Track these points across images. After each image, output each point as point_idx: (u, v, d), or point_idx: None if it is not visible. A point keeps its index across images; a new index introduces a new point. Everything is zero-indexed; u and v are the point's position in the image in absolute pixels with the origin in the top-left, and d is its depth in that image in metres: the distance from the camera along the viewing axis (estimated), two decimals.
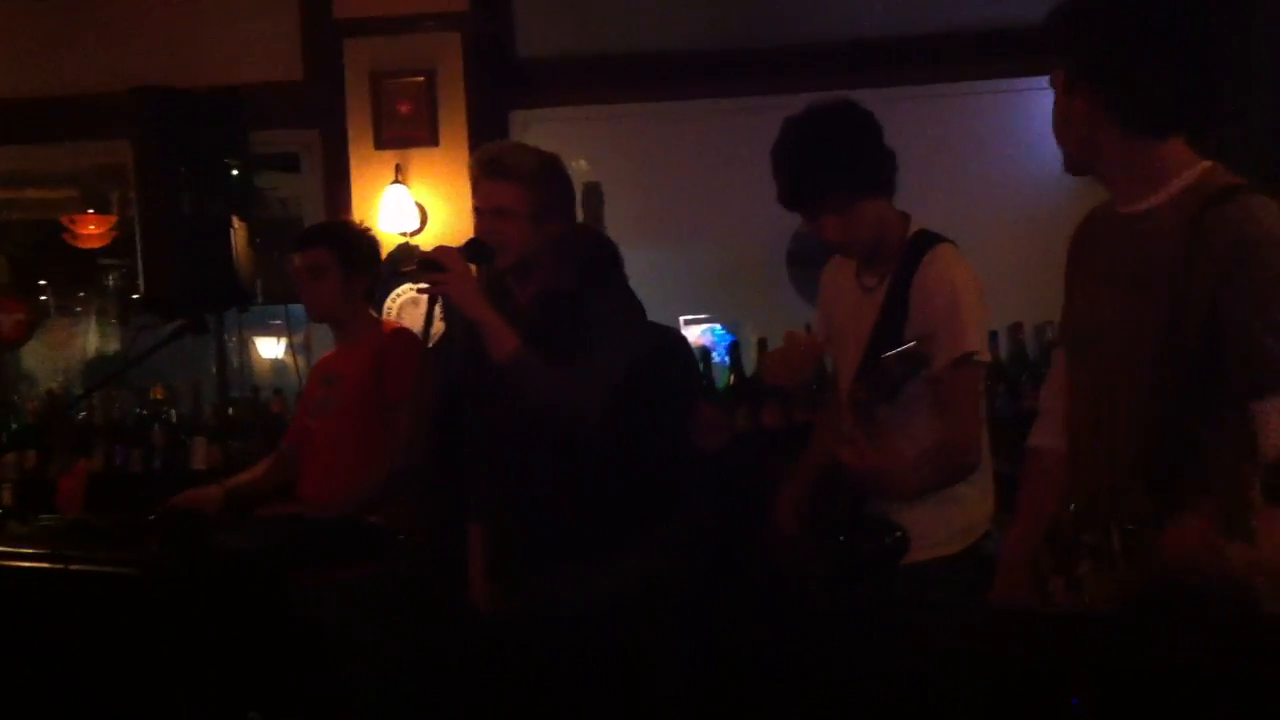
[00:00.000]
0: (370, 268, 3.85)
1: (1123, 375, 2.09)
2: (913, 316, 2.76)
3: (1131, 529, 1.90)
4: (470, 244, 3.04)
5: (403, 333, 3.86)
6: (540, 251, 3.04)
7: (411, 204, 5.08)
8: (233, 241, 4.55)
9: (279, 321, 7.51)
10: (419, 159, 5.14)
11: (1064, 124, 2.17)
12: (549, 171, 3.06)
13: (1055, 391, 2.36)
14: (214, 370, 5.06)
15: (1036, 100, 5.96)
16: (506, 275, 3.09)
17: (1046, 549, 2.13)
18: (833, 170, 2.77)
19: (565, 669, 3.01)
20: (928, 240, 2.85)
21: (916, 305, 2.77)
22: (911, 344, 2.55)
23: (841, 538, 2.78)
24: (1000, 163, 5.75)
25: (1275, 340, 1.89)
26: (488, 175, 3.01)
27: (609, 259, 3.40)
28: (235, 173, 4.73)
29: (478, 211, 3.04)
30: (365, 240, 3.87)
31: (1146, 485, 1.91)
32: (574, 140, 5.19)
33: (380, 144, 5.15)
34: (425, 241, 5.03)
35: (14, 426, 5.08)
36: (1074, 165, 2.20)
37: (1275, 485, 1.61)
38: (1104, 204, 2.26)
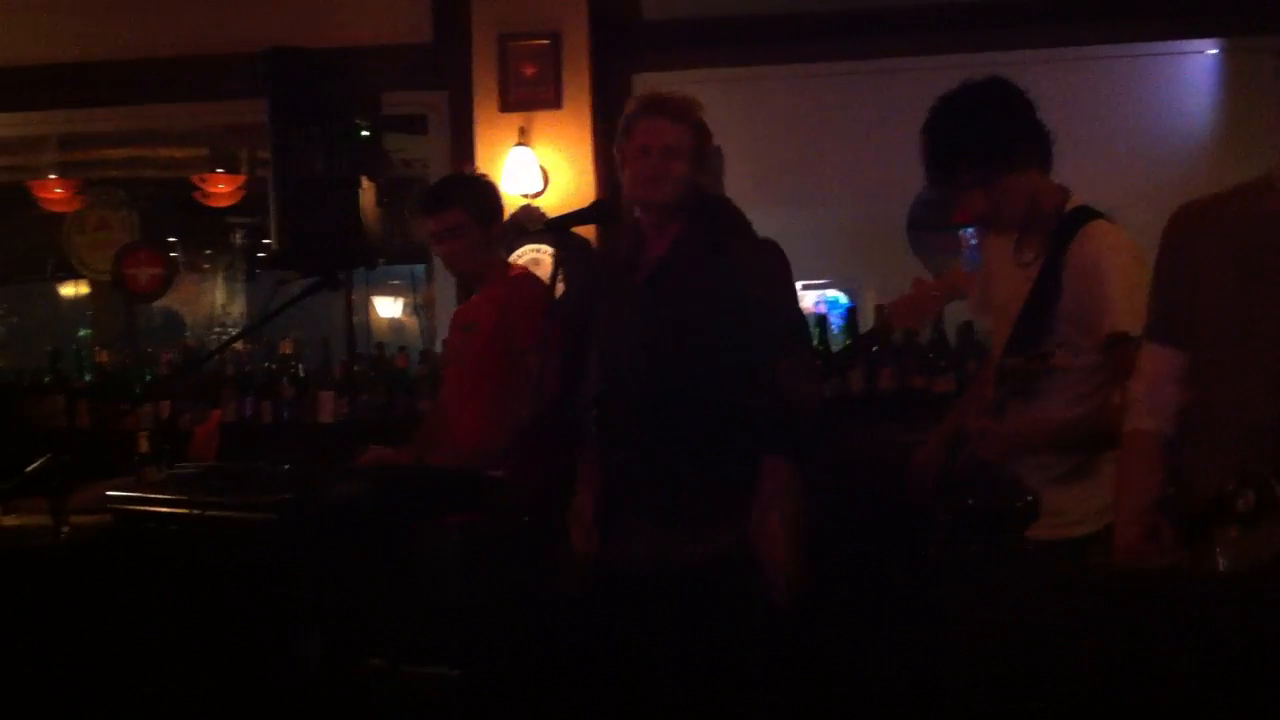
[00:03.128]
0: (499, 215, 3.92)
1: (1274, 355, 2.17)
2: (1065, 295, 2.75)
3: None
4: (597, 204, 3.07)
5: (528, 278, 3.93)
6: (689, 197, 3.06)
7: (535, 166, 5.14)
8: (361, 201, 4.64)
9: (399, 281, 7.69)
10: (542, 121, 5.19)
11: None
12: (705, 121, 3.10)
13: (1155, 379, 2.40)
14: (341, 327, 5.17)
15: (1170, 64, 5.86)
16: (641, 222, 3.11)
17: (1169, 522, 2.21)
18: (979, 143, 2.76)
19: (658, 625, 2.99)
20: (1083, 216, 2.81)
21: (1069, 284, 2.75)
22: (1045, 351, 2.57)
23: (970, 500, 2.77)
24: (1132, 130, 5.65)
25: None
26: (657, 114, 3.03)
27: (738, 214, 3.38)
28: (365, 133, 4.83)
29: (642, 149, 3.02)
30: (491, 190, 3.93)
31: None
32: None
33: (505, 106, 5.21)
34: (547, 204, 5.09)
35: (149, 378, 5.24)
36: None
37: None
38: (1232, 193, 2.33)
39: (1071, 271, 2.75)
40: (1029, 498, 2.72)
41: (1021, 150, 2.80)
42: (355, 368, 5.08)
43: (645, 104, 3.09)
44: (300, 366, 5.08)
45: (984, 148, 2.77)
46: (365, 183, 4.70)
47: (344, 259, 4.59)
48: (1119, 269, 2.72)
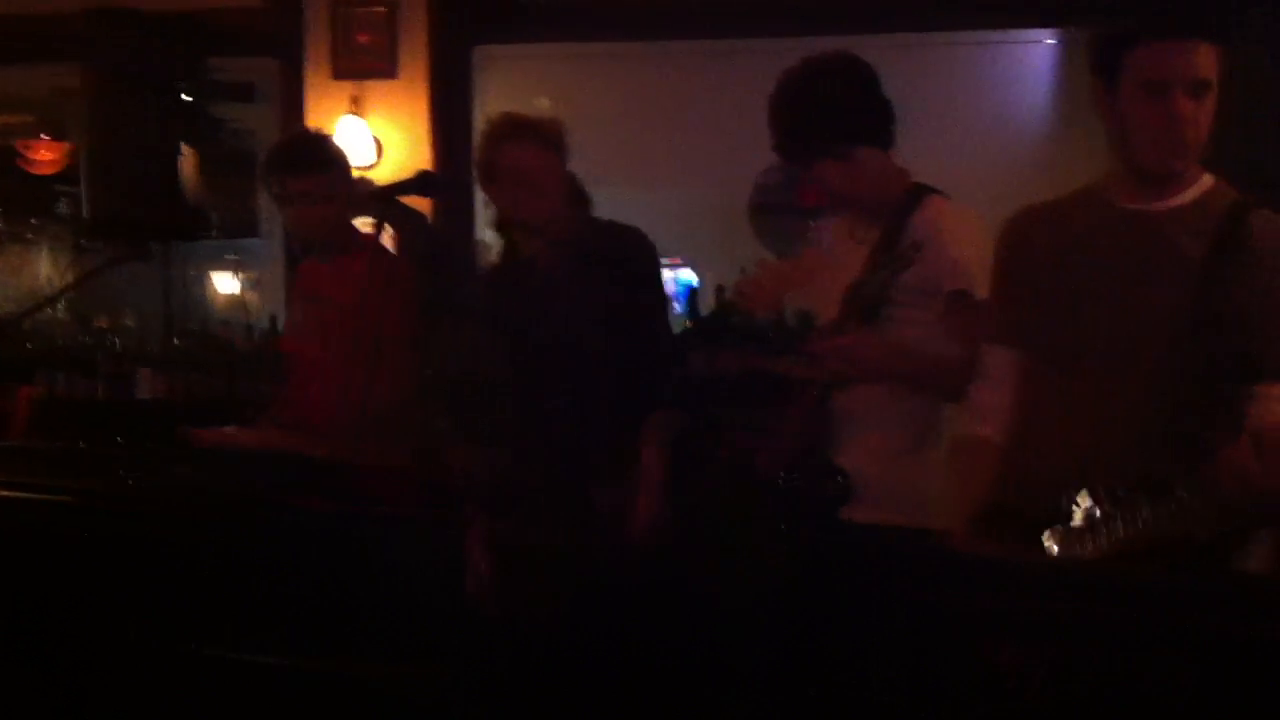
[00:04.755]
0: (352, 181, 3.74)
1: (1120, 360, 2.20)
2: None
3: (1125, 494, 2.06)
4: (421, 175, 2.99)
5: (389, 257, 3.81)
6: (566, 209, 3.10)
7: (368, 136, 4.98)
8: (180, 169, 4.44)
9: (235, 257, 7.42)
10: (377, 91, 5.03)
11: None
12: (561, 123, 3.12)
13: (995, 383, 2.40)
14: (180, 302, 4.96)
15: (1009, 53, 5.91)
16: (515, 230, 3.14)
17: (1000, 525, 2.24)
18: (831, 119, 2.73)
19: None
20: (925, 191, 2.80)
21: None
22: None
23: (781, 476, 2.71)
24: (973, 119, 5.69)
25: None
26: (521, 139, 3.04)
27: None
28: (189, 99, 4.62)
29: (513, 176, 3.03)
30: (343, 153, 3.74)
31: (1145, 460, 2.06)
32: (537, 78, 5.09)
33: (337, 73, 5.03)
34: (381, 176, 4.91)
35: None
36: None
37: None
38: (1068, 200, 2.36)
39: (912, 239, 2.69)
40: (839, 478, 2.67)
41: (871, 125, 2.78)
42: (177, 343, 4.87)
43: (509, 129, 3.07)
44: (117, 341, 4.86)
45: (838, 118, 2.73)
46: (187, 150, 4.50)
47: (161, 229, 4.39)
48: (960, 233, 2.70)
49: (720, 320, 4.67)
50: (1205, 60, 2.16)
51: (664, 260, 5.97)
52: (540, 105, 5.27)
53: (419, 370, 3.30)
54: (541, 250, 3.13)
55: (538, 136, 3.05)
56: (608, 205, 3.31)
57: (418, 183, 3.41)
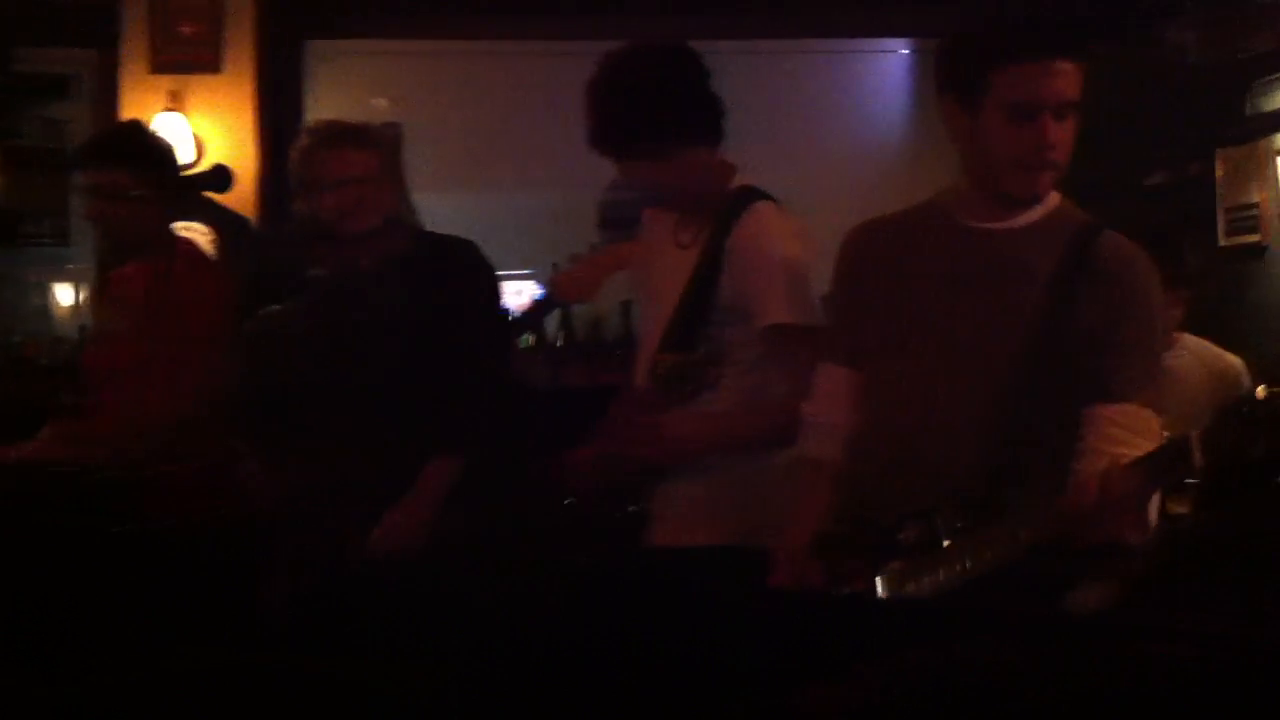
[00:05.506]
0: (171, 179, 3.45)
1: (963, 378, 2.11)
2: (725, 279, 2.57)
3: (961, 526, 1.96)
4: (217, 169, 2.75)
5: (200, 258, 3.57)
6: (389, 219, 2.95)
7: (188, 133, 4.69)
8: None
9: (44, 263, 7.01)
10: (199, 86, 4.76)
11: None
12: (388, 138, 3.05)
13: (833, 404, 2.28)
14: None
15: (863, 62, 5.83)
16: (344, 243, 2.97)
17: (834, 553, 2.13)
18: (653, 111, 2.54)
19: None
20: (749, 196, 2.63)
21: (730, 267, 2.57)
22: (696, 354, 2.38)
23: (568, 500, 2.55)
24: (826, 128, 5.59)
25: (1139, 358, 2.07)
26: (337, 145, 2.90)
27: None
28: None
29: (329, 182, 2.87)
30: (163, 145, 3.48)
31: (986, 481, 1.97)
32: (373, 76, 4.87)
33: (156, 67, 4.77)
34: None
35: None
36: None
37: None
38: (911, 215, 2.28)
39: (734, 257, 2.56)
40: (631, 508, 2.52)
41: (696, 120, 2.59)
42: None
43: (328, 135, 2.93)
44: None
45: (659, 114, 2.54)
46: None
47: None
48: (782, 257, 2.54)
49: (543, 310, 4.53)
50: (1072, 81, 2.06)
51: (513, 273, 5.81)
52: (379, 106, 5.05)
53: (221, 380, 3.08)
54: (363, 265, 2.96)
55: (360, 142, 2.91)
56: (452, 214, 3.24)
57: (213, 176, 3.18)
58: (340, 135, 2.93)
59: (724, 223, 2.58)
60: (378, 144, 2.96)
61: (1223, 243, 4.60)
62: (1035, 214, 2.15)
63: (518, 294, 5.73)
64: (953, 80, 2.15)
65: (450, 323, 2.92)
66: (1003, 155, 2.09)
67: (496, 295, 3.16)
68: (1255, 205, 4.50)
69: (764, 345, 2.53)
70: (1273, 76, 4.38)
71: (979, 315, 2.12)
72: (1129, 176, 4.84)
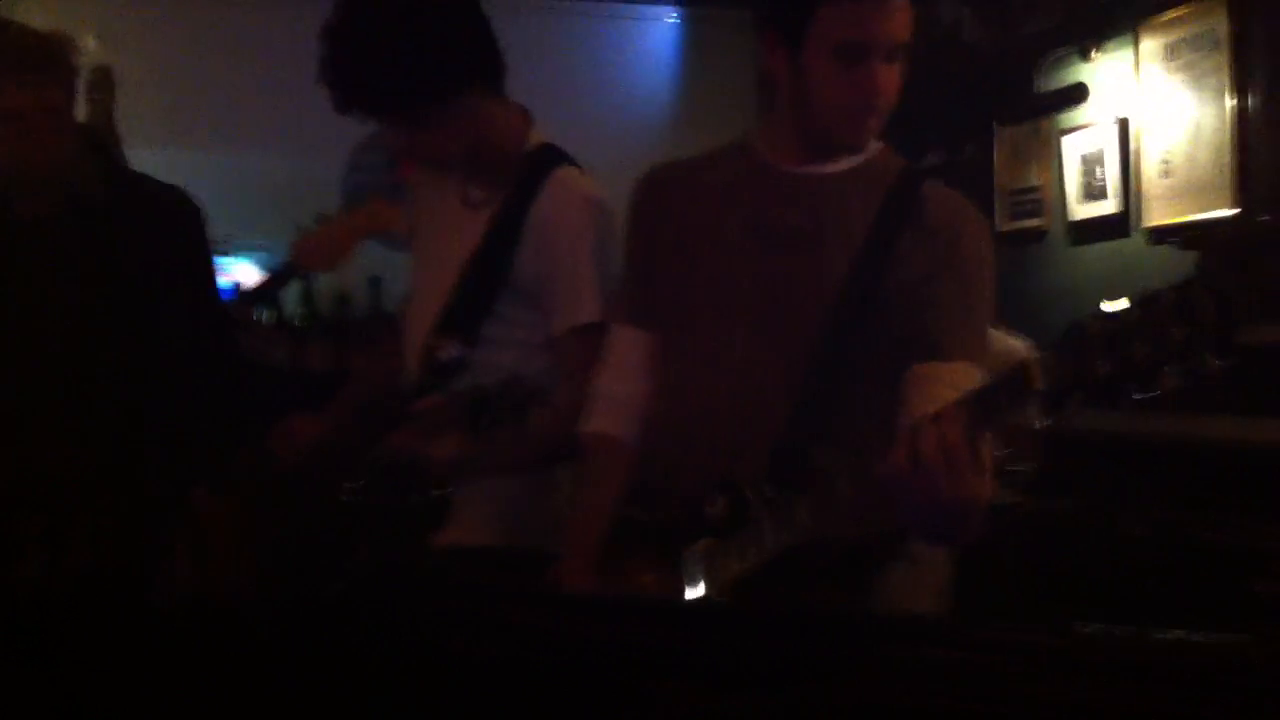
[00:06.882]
0: None
1: (771, 336, 1.96)
2: (523, 255, 2.24)
3: (773, 496, 1.80)
4: None
5: None
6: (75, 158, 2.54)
7: None
8: None
9: None
10: None
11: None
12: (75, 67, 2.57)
13: (620, 370, 2.09)
14: None
15: (629, 28, 5.57)
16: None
17: (633, 538, 1.96)
18: (430, 52, 2.14)
19: None
20: (552, 159, 2.29)
21: (532, 243, 2.24)
22: (519, 383, 1.98)
23: (349, 486, 2.16)
24: (591, 94, 5.27)
25: (964, 315, 1.95)
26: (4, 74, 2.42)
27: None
28: None
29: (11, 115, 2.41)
30: None
31: (799, 447, 1.83)
32: (80, 12, 4.24)
33: None
34: None
35: None
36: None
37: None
38: (712, 159, 2.10)
39: (537, 235, 2.24)
40: (434, 493, 2.15)
41: (482, 60, 2.23)
42: None
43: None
44: None
45: (438, 55, 2.15)
46: None
47: None
48: (592, 243, 2.24)
49: (282, 280, 4.08)
50: (903, 22, 1.92)
51: (244, 241, 5.24)
52: (86, 45, 4.40)
53: None
54: (46, 211, 2.53)
55: (34, 70, 2.45)
56: (167, 172, 2.72)
57: None
58: (9, 61, 2.44)
59: (526, 188, 2.24)
60: (55, 71, 2.50)
61: (1001, 228, 4.48)
62: (857, 159, 2.04)
63: (253, 267, 5.21)
64: (774, 13, 1.97)
65: (148, 282, 2.51)
66: (827, 98, 1.94)
67: (207, 250, 2.72)
68: (1037, 189, 4.41)
69: (563, 344, 2.24)
70: (1059, 53, 4.28)
71: (791, 267, 1.99)
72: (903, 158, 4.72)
